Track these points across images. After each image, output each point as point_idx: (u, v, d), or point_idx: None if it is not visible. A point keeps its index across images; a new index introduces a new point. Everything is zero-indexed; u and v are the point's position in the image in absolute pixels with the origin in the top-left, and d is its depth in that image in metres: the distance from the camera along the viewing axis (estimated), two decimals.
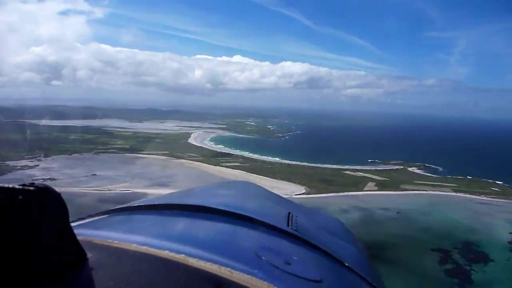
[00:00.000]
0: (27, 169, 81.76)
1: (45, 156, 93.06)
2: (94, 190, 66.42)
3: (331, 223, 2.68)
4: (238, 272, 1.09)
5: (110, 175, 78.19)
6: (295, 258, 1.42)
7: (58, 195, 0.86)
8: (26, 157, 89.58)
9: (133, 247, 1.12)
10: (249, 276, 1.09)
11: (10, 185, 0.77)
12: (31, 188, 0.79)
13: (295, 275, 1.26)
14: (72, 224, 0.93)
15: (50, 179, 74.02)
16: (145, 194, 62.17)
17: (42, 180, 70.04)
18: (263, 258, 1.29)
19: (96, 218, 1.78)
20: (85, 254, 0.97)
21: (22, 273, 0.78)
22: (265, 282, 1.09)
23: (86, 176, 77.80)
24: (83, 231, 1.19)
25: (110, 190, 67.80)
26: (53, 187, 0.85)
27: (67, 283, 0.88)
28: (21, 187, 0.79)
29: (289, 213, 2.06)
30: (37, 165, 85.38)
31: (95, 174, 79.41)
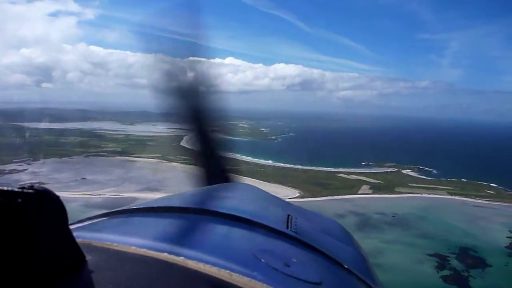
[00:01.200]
0: (15, 173, 79.94)
1: (35, 160, 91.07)
2: (82, 194, 64.93)
3: (330, 225, 2.65)
4: (237, 274, 1.09)
5: (100, 179, 76.68)
6: (295, 260, 1.42)
7: (57, 198, 0.87)
8: (14, 160, 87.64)
9: (132, 249, 1.12)
10: (249, 279, 1.09)
11: (9, 188, 0.78)
12: (31, 191, 0.80)
13: (294, 277, 1.27)
14: (71, 227, 0.93)
15: (38, 183, 71.03)
16: (135, 199, 60.73)
17: (30, 185, 69.51)
18: (262, 260, 1.29)
19: (95, 220, 1.75)
20: (84, 257, 0.97)
21: (21, 276, 0.79)
22: (265, 285, 1.09)
23: (76, 180, 76.25)
24: (82, 234, 1.19)
25: (100, 194, 66.35)
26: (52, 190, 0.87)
27: (66, 285, 0.88)
28: (20, 190, 0.79)
29: (288, 215, 2.05)
30: (26, 169, 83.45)
31: (84, 178, 77.87)
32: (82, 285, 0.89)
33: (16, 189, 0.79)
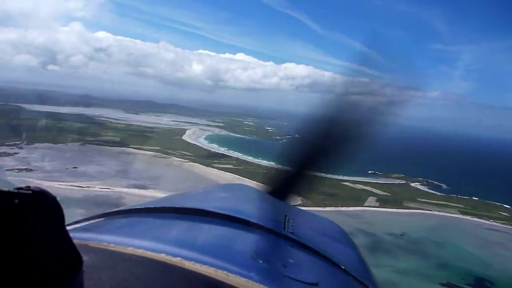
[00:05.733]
0: (5, 156, 76.38)
1: (28, 144, 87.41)
2: (69, 186, 60.85)
3: (327, 226, 2.67)
4: (234, 275, 1.10)
5: (92, 170, 72.66)
6: (292, 261, 1.46)
7: (54, 199, 0.87)
8: (6, 143, 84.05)
9: (129, 250, 1.13)
10: (246, 279, 1.11)
11: (6, 189, 0.78)
12: (27, 191, 0.80)
13: (291, 278, 1.29)
14: (68, 228, 0.93)
15: (26, 169, 68.62)
16: (121, 196, 56.69)
17: (17, 171, 64.15)
18: (260, 261, 1.32)
19: (92, 221, 1.80)
20: (80, 258, 0.97)
21: (18, 277, 0.79)
22: (261, 285, 1.11)
23: (66, 169, 72.21)
24: (79, 235, 1.20)
25: (88, 187, 62.22)
26: (49, 191, 0.85)
27: (63, 286, 0.88)
28: (17, 190, 0.80)
29: (286, 216, 2.07)
30: (17, 153, 79.73)
31: (76, 168, 73.81)
32: (79, 286, 0.89)
33: (12, 190, 0.79)
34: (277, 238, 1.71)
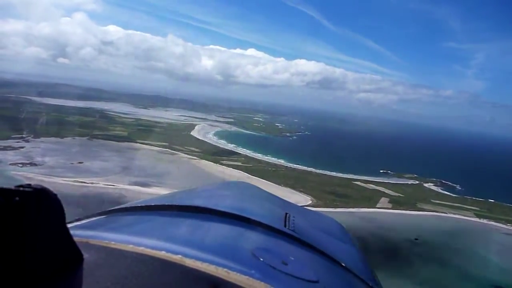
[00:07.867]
0: (10, 150, 74.81)
1: (34, 137, 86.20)
2: (72, 182, 59.16)
3: (328, 223, 2.69)
4: (235, 272, 1.11)
5: (97, 166, 70.94)
6: (292, 259, 1.46)
7: (54, 196, 0.87)
8: (12, 136, 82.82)
9: (130, 247, 1.14)
10: (246, 277, 1.11)
11: (7, 187, 0.78)
12: (28, 189, 0.80)
13: (292, 276, 1.29)
14: (69, 225, 0.94)
15: (31, 164, 67.15)
16: (122, 195, 54.72)
17: (20, 165, 62.33)
18: (260, 258, 1.32)
19: (93, 219, 1.82)
20: (81, 255, 0.98)
21: (19, 274, 0.79)
22: (262, 283, 1.12)
23: (72, 164, 70.57)
24: (80, 232, 1.21)
25: (92, 183, 60.52)
26: (50, 189, 0.86)
27: (64, 284, 0.88)
28: (18, 188, 0.80)
29: (286, 213, 2.11)
30: (22, 147, 78.15)
31: (81, 163, 72.20)
32: (80, 284, 0.89)
33: (13, 188, 0.79)
34: (278, 236, 1.71)
